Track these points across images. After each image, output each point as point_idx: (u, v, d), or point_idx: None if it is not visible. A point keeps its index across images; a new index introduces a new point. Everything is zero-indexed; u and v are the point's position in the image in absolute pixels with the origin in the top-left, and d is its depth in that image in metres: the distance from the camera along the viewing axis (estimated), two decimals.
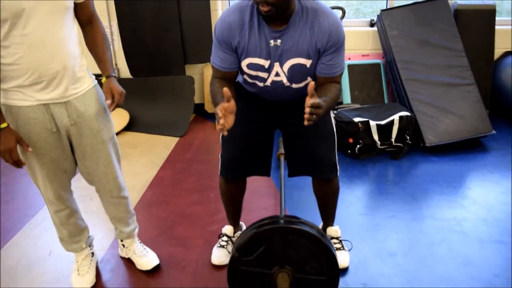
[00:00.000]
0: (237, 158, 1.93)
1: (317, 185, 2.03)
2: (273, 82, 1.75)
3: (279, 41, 1.63)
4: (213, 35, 1.75)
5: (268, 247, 1.67)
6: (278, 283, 1.66)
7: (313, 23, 1.60)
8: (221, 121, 1.48)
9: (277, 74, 1.72)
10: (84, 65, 1.71)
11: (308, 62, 1.67)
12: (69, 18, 1.61)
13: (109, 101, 1.73)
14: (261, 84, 1.78)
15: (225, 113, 1.51)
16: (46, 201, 1.87)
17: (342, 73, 1.72)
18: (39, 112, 1.62)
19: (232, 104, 1.52)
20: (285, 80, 1.74)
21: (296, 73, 1.71)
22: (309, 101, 1.46)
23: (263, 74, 1.73)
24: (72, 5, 1.62)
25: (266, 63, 1.68)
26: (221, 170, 1.99)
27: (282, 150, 2.75)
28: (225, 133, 1.50)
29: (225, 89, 1.49)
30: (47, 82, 1.58)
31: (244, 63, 1.71)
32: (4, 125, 1.56)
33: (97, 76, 1.85)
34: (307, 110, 1.44)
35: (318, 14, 1.60)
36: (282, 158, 2.69)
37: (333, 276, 1.69)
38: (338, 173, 1.97)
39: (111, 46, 3.95)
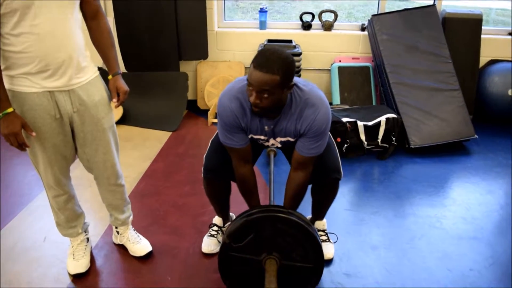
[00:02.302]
0: (220, 162, 2.00)
1: (319, 188, 2.08)
2: (269, 146, 2.02)
3: (272, 126, 1.83)
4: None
5: (257, 235, 1.77)
6: (266, 269, 1.76)
7: (301, 113, 1.77)
8: None
9: (273, 144, 1.97)
10: (87, 56, 1.81)
11: (294, 139, 1.88)
12: (76, 10, 1.70)
13: (115, 100, 1.86)
14: (260, 143, 2.02)
15: None
16: (45, 185, 1.94)
17: (315, 157, 1.86)
18: (44, 98, 1.70)
19: None
20: (279, 146, 1.98)
21: (286, 143, 1.94)
22: None
23: (263, 142, 1.96)
24: None
25: (264, 138, 1.91)
26: (203, 170, 2.07)
27: (272, 147, 2.85)
28: None
29: None
30: (53, 70, 1.67)
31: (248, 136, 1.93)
32: (10, 109, 1.64)
33: (98, 69, 1.94)
34: None
35: (308, 106, 1.76)
36: (271, 155, 2.79)
37: (318, 264, 1.79)
38: (342, 176, 2.05)
39: None
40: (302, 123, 1.78)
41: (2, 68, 1.66)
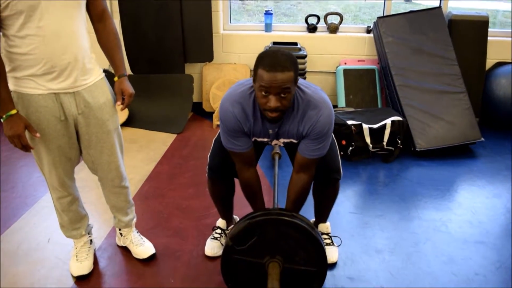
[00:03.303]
0: (224, 160, 2.00)
1: (320, 188, 2.08)
2: (273, 145, 2.02)
3: (276, 129, 1.83)
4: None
5: (260, 237, 1.76)
6: (269, 272, 1.74)
7: (304, 115, 1.76)
8: None
9: (275, 144, 1.96)
10: (93, 58, 1.81)
11: (297, 141, 1.88)
12: (81, 12, 1.71)
13: (119, 102, 1.86)
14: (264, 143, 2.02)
15: None
16: (49, 187, 1.95)
17: (318, 159, 1.85)
18: (49, 100, 1.71)
19: None
20: (282, 145, 1.98)
21: (290, 144, 1.93)
22: None
23: (266, 142, 1.96)
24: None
25: (268, 140, 1.91)
26: (208, 170, 2.07)
27: (277, 150, 2.85)
28: None
29: None
30: (59, 72, 1.67)
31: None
32: (13, 111, 1.64)
33: (104, 71, 1.95)
34: None
35: (310, 107, 1.75)
36: (276, 157, 2.79)
37: (321, 267, 1.78)
38: (341, 176, 2.05)
39: None
40: (305, 125, 1.77)
41: (7, 70, 1.67)
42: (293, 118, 1.78)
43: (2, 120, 1.65)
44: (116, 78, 1.89)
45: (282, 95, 1.62)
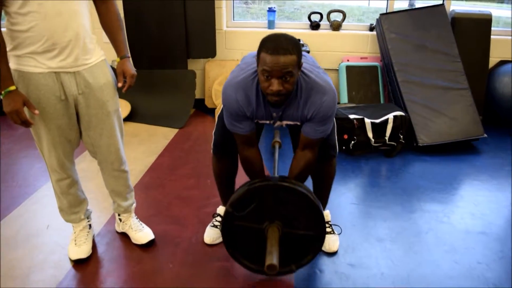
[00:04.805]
0: (227, 136, 1.99)
1: (316, 166, 2.07)
2: (276, 126, 1.98)
3: (280, 113, 1.82)
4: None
5: (259, 203, 1.77)
6: (268, 236, 1.75)
7: (307, 100, 1.76)
8: None
9: (278, 125, 1.94)
10: (94, 38, 1.81)
11: (300, 122, 1.87)
12: None
13: (120, 84, 1.86)
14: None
15: None
16: (49, 169, 1.94)
17: (322, 138, 1.85)
18: (49, 79, 1.71)
19: None
20: (284, 126, 1.96)
21: (294, 126, 1.94)
22: None
23: (268, 124, 1.95)
24: None
25: (271, 122, 1.89)
26: (212, 147, 2.08)
27: (277, 139, 2.84)
28: None
29: None
30: (60, 50, 1.67)
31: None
32: (12, 87, 1.64)
33: None
34: None
35: (313, 92, 1.75)
36: (277, 146, 2.77)
37: (319, 232, 1.79)
38: (337, 153, 2.06)
39: None
40: (309, 109, 1.76)
41: (9, 48, 1.67)
42: (297, 103, 1.77)
43: (1, 97, 1.65)
44: (118, 59, 1.89)
45: (285, 79, 1.61)
